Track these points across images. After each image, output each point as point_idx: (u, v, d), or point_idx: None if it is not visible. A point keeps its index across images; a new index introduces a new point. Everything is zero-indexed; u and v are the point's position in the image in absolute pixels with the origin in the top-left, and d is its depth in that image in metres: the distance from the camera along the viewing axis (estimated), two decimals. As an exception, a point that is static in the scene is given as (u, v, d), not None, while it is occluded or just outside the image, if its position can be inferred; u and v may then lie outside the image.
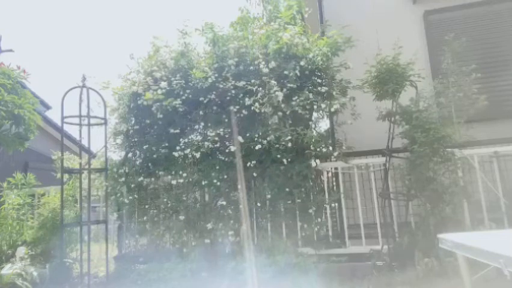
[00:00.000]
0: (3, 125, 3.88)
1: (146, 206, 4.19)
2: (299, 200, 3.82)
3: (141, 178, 4.17)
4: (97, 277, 4.16)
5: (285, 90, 3.85)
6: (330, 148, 4.02)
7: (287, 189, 3.79)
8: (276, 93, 3.78)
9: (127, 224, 4.44)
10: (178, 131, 4.19)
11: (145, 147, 4.25)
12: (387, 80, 3.56)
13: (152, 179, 4.16)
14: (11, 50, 4.80)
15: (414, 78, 3.66)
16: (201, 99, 4.13)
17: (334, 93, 4.00)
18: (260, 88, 3.92)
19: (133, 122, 4.47)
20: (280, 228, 3.87)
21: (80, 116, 4.03)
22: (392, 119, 3.71)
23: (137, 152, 4.46)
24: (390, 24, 4.88)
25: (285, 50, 4.04)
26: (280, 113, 3.87)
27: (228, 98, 4.05)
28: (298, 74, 3.94)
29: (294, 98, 3.85)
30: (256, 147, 3.82)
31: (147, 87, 4.28)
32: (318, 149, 3.81)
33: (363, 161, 3.89)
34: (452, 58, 3.81)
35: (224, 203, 3.87)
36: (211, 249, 3.83)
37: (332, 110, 3.90)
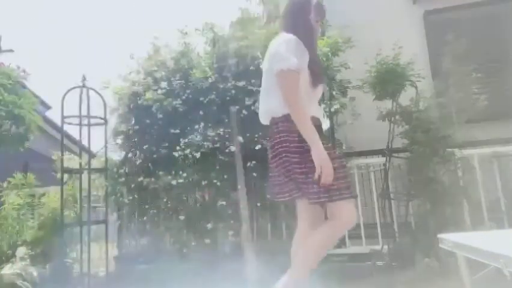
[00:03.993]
0: (3, 125, 3.87)
1: (146, 206, 4.19)
2: (299, 200, 3.81)
3: (141, 178, 4.16)
4: (97, 277, 4.16)
5: (285, 90, 3.85)
6: (330, 148, 4.00)
7: (287, 189, 3.79)
8: (276, 93, 3.78)
9: (127, 224, 4.43)
10: (178, 131, 4.19)
11: (145, 147, 4.25)
12: (387, 80, 3.56)
13: (152, 179, 4.15)
14: (11, 50, 4.81)
15: (414, 78, 3.66)
16: (201, 99, 4.13)
17: (334, 93, 4.00)
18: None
19: (133, 122, 4.47)
20: (280, 228, 3.87)
21: (80, 116, 4.03)
22: (392, 119, 3.71)
23: (137, 152, 4.46)
24: (390, 24, 4.88)
25: (285, 50, 4.03)
26: (280, 113, 3.87)
27: (228, 98, 4.05)
28: (299, 74, 3.94)
29: (294, 98, 3.85)
30: (256, 147, 3.82)
31: (147, 87, 4.28)
32: (318, 149, 3.80)
33: (363, 161, 3.89)
34: (452, 58, 3.81)
35: (224, 203, 3.87)
36: (211, 249, 3.83)
37: (332, 110, 3.90)
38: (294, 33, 1.99)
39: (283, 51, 1.90)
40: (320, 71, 2.06)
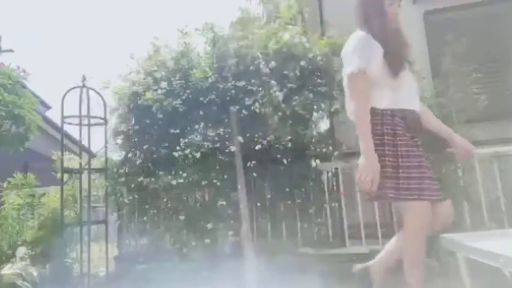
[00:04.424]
0: (3, 125, 3.87)
1: (146, 206, 4.19)
2: (299, 200, 3.82)
3: (141, 178, 4.16)
4: (97, 277, 4.16)
5: (285, 90, 3.86)
6: (330, 148, 4.01)
7: (287, 189, 3.79)
8: (276, 93, 3.78)
9: (127, 224, 4.43)
10: (178, 131, 4.19)
11: (145, 147, 4.25)
12: (387, 80, 3.55)
13: (152, 179, 4.15)
14: (11, 50, 4.80)
15: (415, 78, 3.65)
16: (201, 99, 4.13)
17: (334, 93, 4.00)
18: (260, 88, 3.92)
19: (133, 122, 4.47)
20: (280, 228, 3.87)
21: (80, 116, 4.03)
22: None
23: (137, 152, 4.46)
24: (390, 24, 4.87)
25: (285, 50, 4.04)
26: (280, 113, 3.87)
27: (228, 98, 4.06)
28: (299, 74, 3.94)
29: (294, 98, 3.85)
30: (256, 147, 3.82)
31: (147, 87, 4.28)
32: (318, 149, 3.81)
33: (363, 161, 3.88)
34: (452, 58, 3.81)
35: (224, 203, 3.87)
36: (211, 249, 3.83)
37: (332, 110, 3.90)
38: (367, 26, 1.97)
39: (349, 53, 1.97)
40: (399, 59, 1.92)
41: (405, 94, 1.95)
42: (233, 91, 4.03)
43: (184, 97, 4.14)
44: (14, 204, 4.44)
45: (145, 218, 4.15)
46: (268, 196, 3.86)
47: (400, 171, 1.81)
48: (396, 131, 1.86)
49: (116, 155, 4.58)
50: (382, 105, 1.89)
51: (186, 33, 4.59)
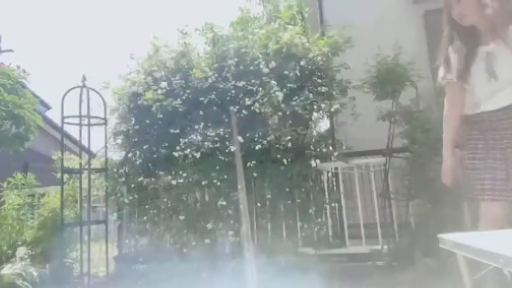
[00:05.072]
0: (3, 125, 3.87)
1: (146, 206, 4.19)
2: (299, 200, 3.82)
3: (141, 178, 4.16)
4: (97, 277, 4.16)
5: (285, 90, 3.85)
6: (330, 148, 4.01)
7: (287, 189, 3.79)
8: (276, 93, 3.78)
9: (127, 224, 4.43)
10: (178, 131, 4.19)
11: (145, 147, 4.25)
12: (387, 80, 3.56)
13: (152, 179, 4.16)
14: (11, 50, 4.81)
15: (415, 78, 3.65)
16: (201, 99, 4.13)
17: (334, 93, 4.00)
18: (260, 88, 3.92)
19: (133, 122, 4.47)
20: (280, 228, 3.87)
21: (80, 116, 4.03)
22: (392, 119, 3.71)
23: (137, 152, 4.45)
24: (390, 24, 4.88)
25: (285, 50, 4.03)
26: (280, 113, 3.87)
27: (228, 98, 4.06)
28: (298, 74, 3.94)
29: (294, 98, 3.85)
30: (256, 147, 3.82)
31: (147, 87, 4.28)
32: (318, 149, 3.81)
33: (363, 161, 3.89)
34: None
35: (224, 203, 3.87)
36: (211, 249, 3.83)
37: (332, 110, 3.90)
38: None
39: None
40: (463, 61, 1.87)
41: (483, 93, 1.89)
42: (233, 91, 4.03)
43: (184, 97, 4.14)
44: (14, 204, 4.44)
45: (145, 218, 4.15)
46: (268, 196, 3.86)
47: (474, 172, 1.92)
48: (472, 135, 1.95)
49: (116, 155, 4.59)
50: (465, 112, 1.97)
51: (186, 33, 4.59)
